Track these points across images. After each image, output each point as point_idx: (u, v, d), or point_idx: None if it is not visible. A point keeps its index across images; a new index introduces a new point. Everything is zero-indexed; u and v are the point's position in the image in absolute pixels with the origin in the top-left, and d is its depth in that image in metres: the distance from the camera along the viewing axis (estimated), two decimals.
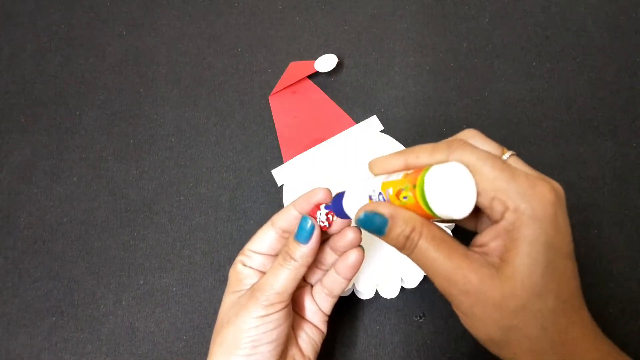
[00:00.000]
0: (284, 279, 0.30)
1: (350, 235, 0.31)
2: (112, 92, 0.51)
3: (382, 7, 0.53)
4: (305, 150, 0.47)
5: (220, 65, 0.52)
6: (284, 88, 0.49)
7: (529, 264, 0.22)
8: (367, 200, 0.27)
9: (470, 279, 0.23)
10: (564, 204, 0.24)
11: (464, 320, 0.25)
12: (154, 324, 0.43)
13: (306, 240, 0.30)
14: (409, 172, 0.25)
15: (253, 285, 0.31)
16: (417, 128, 0.47)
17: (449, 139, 0.26)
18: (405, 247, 0.25)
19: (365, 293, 0.41)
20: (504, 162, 0.24)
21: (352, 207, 0.28)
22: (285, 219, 0.32)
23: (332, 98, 0.49)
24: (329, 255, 0.33)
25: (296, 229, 0.30)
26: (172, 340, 0.42)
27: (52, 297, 0.44)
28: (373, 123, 0.48)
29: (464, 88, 0.49)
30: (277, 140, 0.48)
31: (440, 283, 0.24)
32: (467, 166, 0.23)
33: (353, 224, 0.30)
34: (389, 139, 0.47)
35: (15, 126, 0.51)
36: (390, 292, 0.41)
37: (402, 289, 0.42)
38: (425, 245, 0.24)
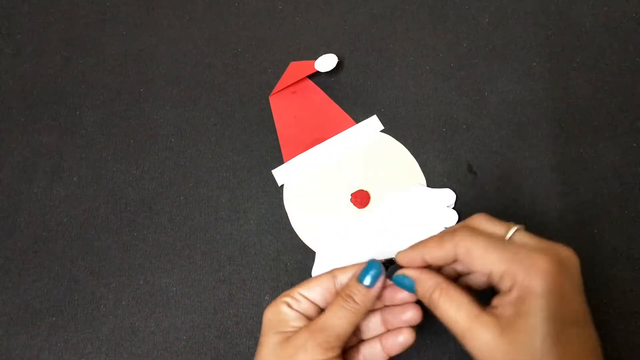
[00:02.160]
0: (345, 321, 0.30)
1: (411, 312, 0.32)
2: (112, 92, 0.51)
3: (382, 7, 0.53)
4: (305, 150, 0.47)
5: (220, 65, 0.52)
6: (284, 88, 0.49)
7: (529, 332, 0.25)
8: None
9: (481, 336, 0.26)
10: (572, 272, 0.27)
11: None
12: (154, 324, 0.43)
13: (372, 283, 0.31)
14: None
15: (310, 326, 0.30)
16: (416, 128, 0.48)
17: (455, 227, 0.30)
18: (429, 304, 0.29)
19: None
20: (506, 243, 0.28)
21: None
22: (348, 275, 0.32)
23: (332, 98, 0.49)
24: (373, 324, 0.34)
25: (360, 272, 0.31)
26: (172, 340, 0.42)
27: (52, 297, 0.44)
28: (373, 123, 0.48)
29: (464, 88, 0.49)
30: (278, 140, 0.48)
31: (457, 336, 0.28)
32: (473, 254, 0.28)
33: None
34: (389, 139, 0.47)
35: (15, 126, 0.51)
36: None
37: None
38: (442, 303, 0.28)
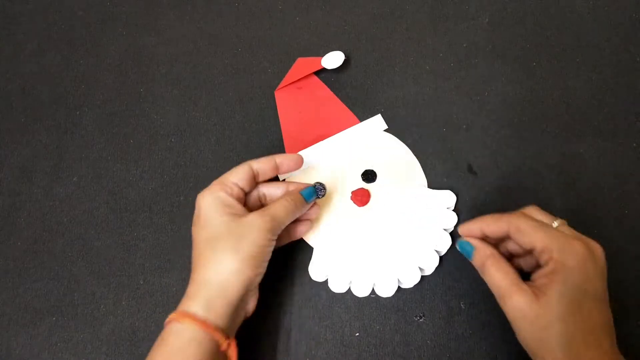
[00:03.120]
0: (289, 216, 0.38)
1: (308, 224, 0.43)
2: (112, 92, 0.51)
3: (382, 7, 0.53)
4: (309, 146, 0.47)
5: (220, 65, 0.52)
6: (290, 83, 0.49)
7: (558, 297, 0.31)
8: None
9: (517, 300, 0.32)
10: (598, 259, 0.33)
11: (514, 331, 0.33)
12: (154, 324, 0.43)
13: (309, 200, 0.41)
14: None
15: (261, 212, 0.37)
16: (417, 128, 0.48)
17: (514, 212, 0.36)
18: (481, 268, 0.35)
19: (361, 291, 0.42)
20: (551, 227, 0.34)
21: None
22: (263, 164, 0.40)
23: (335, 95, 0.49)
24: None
25: (304, 189, 0.41)
26: None
27: (52, 297, 0.44)
28: (377, 122, 0.48)
29: (464, 88, 0.49)
30: (278, 140, 0.48)
31: (499, 300, 0.34)
32: (522, 231, 0.34)
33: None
34: (392, 138, 0.47)
35: (15, 126, 0.51)
36: (387, 290, 0.41)
37: (400, 289, 0.42)
38: (492, 269, 0.34)
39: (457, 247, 0.38)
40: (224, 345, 0.35)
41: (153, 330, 0.43)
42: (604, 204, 0.44)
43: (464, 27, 0.51)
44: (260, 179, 0.41)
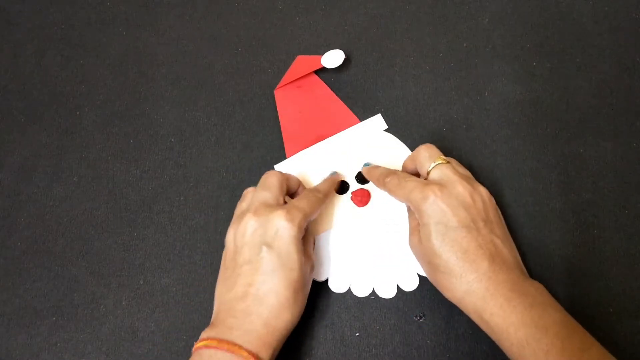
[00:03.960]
0: (315, 209, 0.40)
1: None
2: (112, 92, 0.51)
3: (382, 7, 0.53)
4: (309, 146, 0.47)
5: (220, 65, 0.52)
6: (290, 82, 0.49)
7: (427, 236, 0.36)
8: None
9: (411, 241, 0.40)
10: (454, 194, 0.37)
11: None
12: (154, 324, 0.43)
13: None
14: None
15: (293, 208, 0.38)
16: (417, 128, 0.48)
17: (405, 160, 0.43)
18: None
19: (361, 291, 0.42)
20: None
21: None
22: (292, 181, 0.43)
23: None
24: None
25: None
26: (173, 340, 0.42)
27: (52, 297, 0.44)
28: (377, 122, 0.48)
29: (464, 88, 0.49)
30: (278, 140, 0.48)
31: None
32: (394, 188, 0.40)
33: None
34: (392, 138, 0.47)
35: (15, 126, 0.51)
36: (387, 292, 0.42)
37: (401, 289, 0.42)
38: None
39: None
40: None
41: (153, 331, 0.43)
42: (604, 203, 0.44)
43: (464, 27, 0.51)
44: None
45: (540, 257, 0.43)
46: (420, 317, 0.41)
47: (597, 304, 0.41)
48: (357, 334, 0.41)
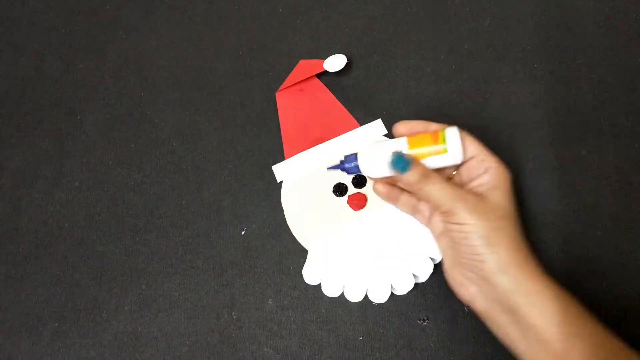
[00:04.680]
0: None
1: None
2: (113, 96, 0.51)
3: (383, 10, 0.53)
4: (307, 149, 0.47)
5: (221, 68, 0.52)
6: (292, 85, 0.49)
7: (501, 200, 0.35)
8: (383, 156, 0.37)
9: (469, 198, 0.35)
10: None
11: (462, 227, 0.35)
12: (156, 329, 0.43)
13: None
14: (427, 134, 0.37)
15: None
16: None
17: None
18: (420, 181, 0.35)
19: (354, 296, 0.42)
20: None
21: (369, 163, 0.38)
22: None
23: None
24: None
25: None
26: (175, 345, 0.42)
27: (54, 303, 0.44)
28: (377, 126, 0.48)
29: (465, 90, 0.49)
30: (279, 143, 0.48)
31: (445, 202, 0.35)
32: (468, 137, 0.37)
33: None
34: None
35: (15, 130, 0.50)
36: (380, 296, 0.41)
37: (394, 295, 0.42)
38: (436, 180, 0.35)
39: (390, 163, 0.36)
40: None
41: (156, 336, 0.42)
42: (606, 205, 0.44)
43: (464, 29, 0.51)
44: None
45: (542, 259, 0.42)
46: (424, 321, 0.41)
47: (599, 306, 0.41)
48: (361, 338, 0.41)
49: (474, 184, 0.37)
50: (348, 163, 0.38)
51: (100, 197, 0.47)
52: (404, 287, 0.41)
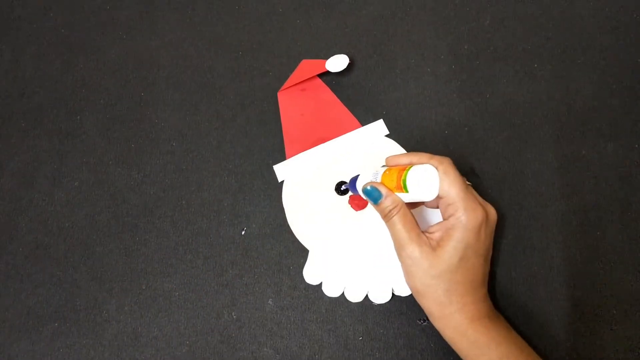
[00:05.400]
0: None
1: None
2: (113, 96, 0.51)
3: (383, 10, 0.53)
4: (309, 148, 0.47)
5: (221, 68, 0.52)
6: (294, 85, 0.49)
7: (452, 251, 0.36)
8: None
9: (415, 250, 0.36)
10: (491, 225, 0.38)
11: (404, 274, 0.38)
12: (156, 329, 0.43)
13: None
14: (396, 169, 0.38)
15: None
16: (419, 130, 0.47)
17: (441, 156, 0.38)
18: (386, 216, 0.38)
19: (354, 296, 0.42)
20: (468, 186, 0.38)
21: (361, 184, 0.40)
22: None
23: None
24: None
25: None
26: (175, 345, 0.42)
27: (54, 303, 0.44)
28: (379, 127, 0.48)
29: (466, 90, 0.49)
30: (279, 143, 0.48)
31: (397, 247, 0.37)
32: (449, 175, 0.36)
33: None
34: (393, 144, 0.47)
35: (15, 131, 0.50)
36: (381, 297, 0.41)
37: (395, 296, 0.42)
38: (396, 219, 0.37)
39: (362, 192, 0.39)
40: None
41: (156, 335, 0.42)
42: (607, 205, 0.44)
43: (465, 29, 0.51)
44: None
45: (543, 259, 0.43)
46: (424, 321, 0.41)
47: (599, 305, 0.41)
48: (361, 338, 0.41)
49: (443, 223, 0.37)
50: (351, 185, 0.42)
51: (100, 197, 0.47)
52: (404, 289, 0.41)
